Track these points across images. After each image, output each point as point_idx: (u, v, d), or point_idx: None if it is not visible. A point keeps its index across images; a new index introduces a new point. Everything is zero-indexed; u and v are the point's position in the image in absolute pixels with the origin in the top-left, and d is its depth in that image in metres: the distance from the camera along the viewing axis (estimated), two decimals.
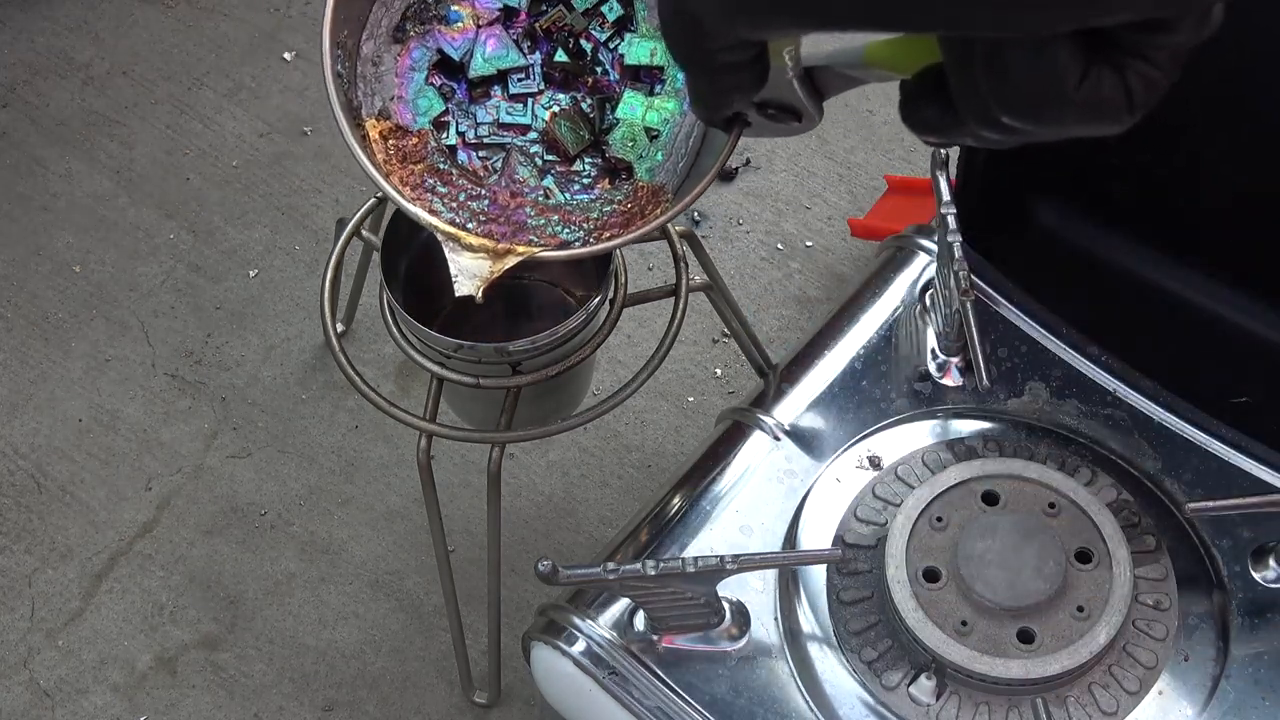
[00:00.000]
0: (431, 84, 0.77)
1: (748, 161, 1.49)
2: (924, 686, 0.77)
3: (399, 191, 0.72)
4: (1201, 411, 0.87)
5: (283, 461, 1.32)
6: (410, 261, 1.00)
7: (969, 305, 0.84)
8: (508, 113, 0.78)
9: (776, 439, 0.87)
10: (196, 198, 1.48)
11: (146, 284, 1.42)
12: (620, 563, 0.75)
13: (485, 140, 0.77)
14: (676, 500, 0.86)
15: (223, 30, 1.60)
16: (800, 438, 0.88)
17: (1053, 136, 0.44)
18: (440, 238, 0.71)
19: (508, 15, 0.78)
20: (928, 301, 0.91)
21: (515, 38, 0.78)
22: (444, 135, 0.77)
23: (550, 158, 0.77)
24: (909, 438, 0.87)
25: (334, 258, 1.02)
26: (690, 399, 1.34)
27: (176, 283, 1.42)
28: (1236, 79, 0.78)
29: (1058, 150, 0.88)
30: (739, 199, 1.47)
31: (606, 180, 0.77)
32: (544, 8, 0.79)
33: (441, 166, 0.75)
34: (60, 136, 1.52)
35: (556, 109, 0.78)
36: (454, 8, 0.77)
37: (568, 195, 0.77)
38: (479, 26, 0.78)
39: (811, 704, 0.78)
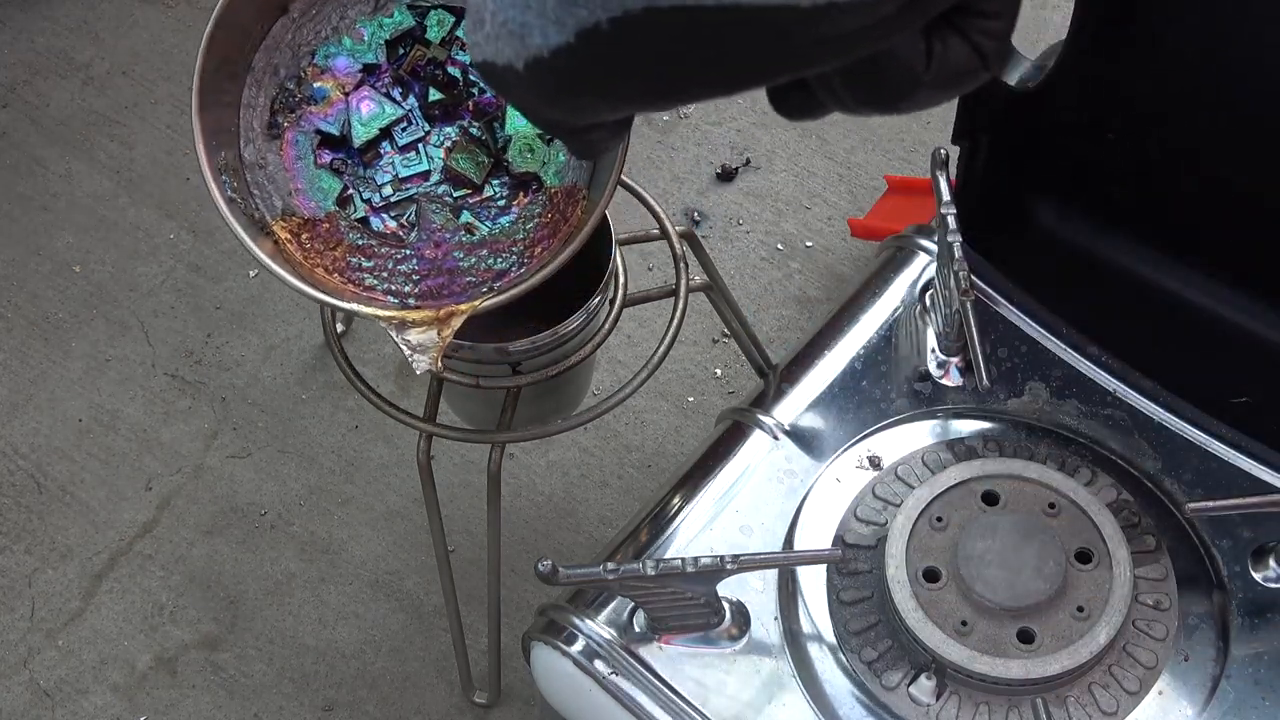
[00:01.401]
0: (322, 166, 0.77)
1: (748, 162, 1.49)
2: (924, 686, 0.77)
3: (325, 284, 0.72)
4: (1201, 411, 0.87)
5: (283, 461, 1.32)
6: None
7: (969, 305, 0.84)
8: (404, 165, 0.78)
9: (776, 439, 0.87)
10: (196, 198, 1.48)
11: (146, 284, 1.42)
12: (620, 563, 0.75)
13: (392, 200, 0.77)
14: (676, 500, 0.86)
15: None
16: (800, 438, 0.88)
17: (924, 108, 0.46)
18: (383, 325, 0.71)
19: (369, 72, 0.78)
20: (928, 301, 0.91)
21: (384, 91, 0.78)
22: (351, 210, 0.77)
23: (459, 193, 0.77)
24: (909, 438, 0.87)
25: None
26: (690, 399, 1.34)
27: (176, 283, 1.42)
28: (1237, 79, 0.78)
29: (1058, 150, 0.89)
30: (739, 199, 1.47)
31: (522, 195, 0.77)
32: (400, 51, 0.78)
33: (360, 243, 0.75)
34: (60, 136, 1.52)
35: (448, 144, 0.77)
36: (316, 85, 0.77)
37: (489, 224, 0.77)
38: (346, 94, 0.78)
39: (811, 704, 0.78)
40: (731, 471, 0.87)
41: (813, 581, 0.82)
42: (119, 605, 1.25)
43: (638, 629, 0.80)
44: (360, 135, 0.77)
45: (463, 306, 0.72)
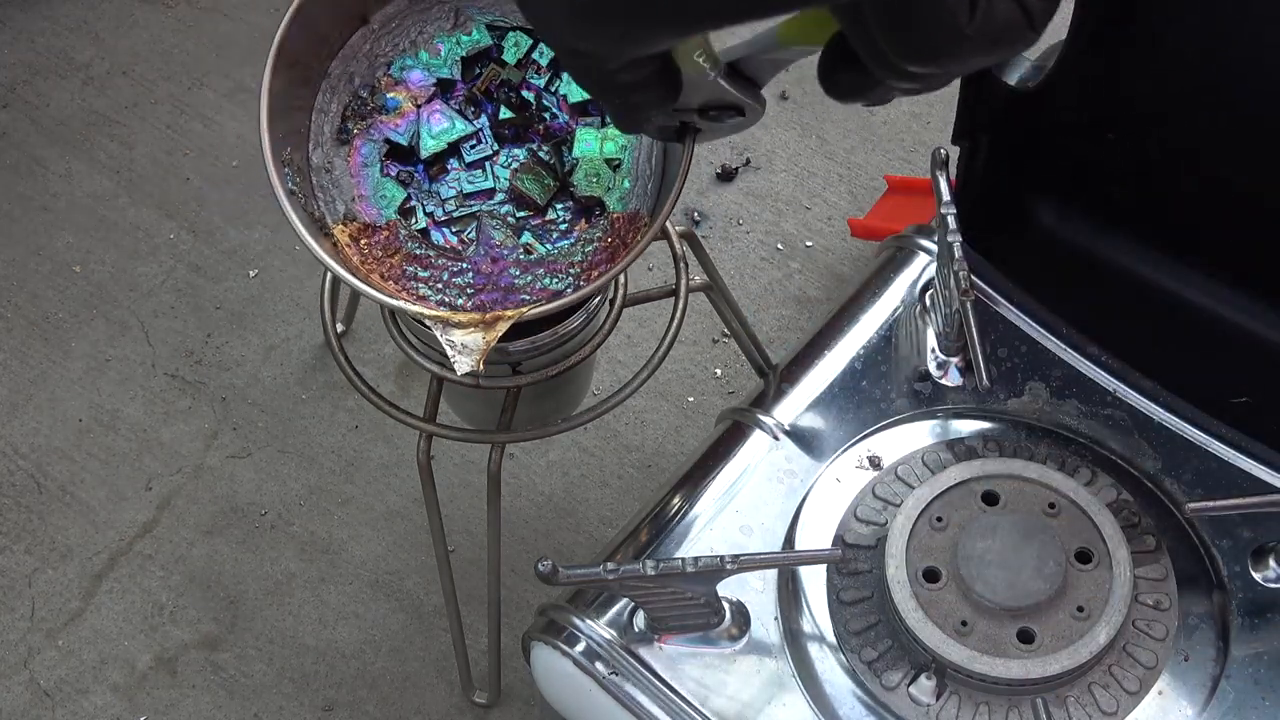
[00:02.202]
0: (388, 175, 0.77)
1: (748, 162, 1.49)
2: (924, 686, 0.77)
3: (380, 290, 0.73)
4: (1201, 411, 0.87)
5: (283, 461, 1.32)
6: None
7: (969, 305, 0.84)
8: (469, 181, 0.78)
9: (776, 439, 0.87)
10: (196, 198, 1.48)
11: (146, 284, 1.42)
12: (620, 563, 0.75)
13: (454, 215, 0.77)
14: (676, 500, 0.86)
15: (223, 30, 1.60)
16: (800, 438, 0.88)
17: (971, 69, 0.45)
18: (429, 323, 0.71)
19: (444, 88, 0.78)
20: (928, 301, 0.91)
21: (457, 107, 0.78)
22: (413, 221, 0.77)
23: (522, 214, 0.77)
24: (909, 438, 0.87)
25: None
26: (690, 399, 1.34)
27: (176, 283, 1.42)
28: (1237, 79, 0.78)
29: (1058, 150, 0.89)
30: (739, 199, 1.47)
31: (583, 221, 0.77)
32: (477, 70, 0.78)
33: (417, 252, 0.76)
34: (60, 136, 1.52)
35: (515, 165, 0.77)
36: (390, 95, 0.77)
37: (549, 245, 0.77)
38: (418, 106, 0.78)
39: (811, 704, 0.78)
40: (731, 471, 0.87)
41: (813, 581, 0.82)
42: (119, 605, 1.25)
43: (638, 629, 0.80)
44: (429, 148, 0.77)
45: (509, 312, 0.72)
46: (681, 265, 0.97)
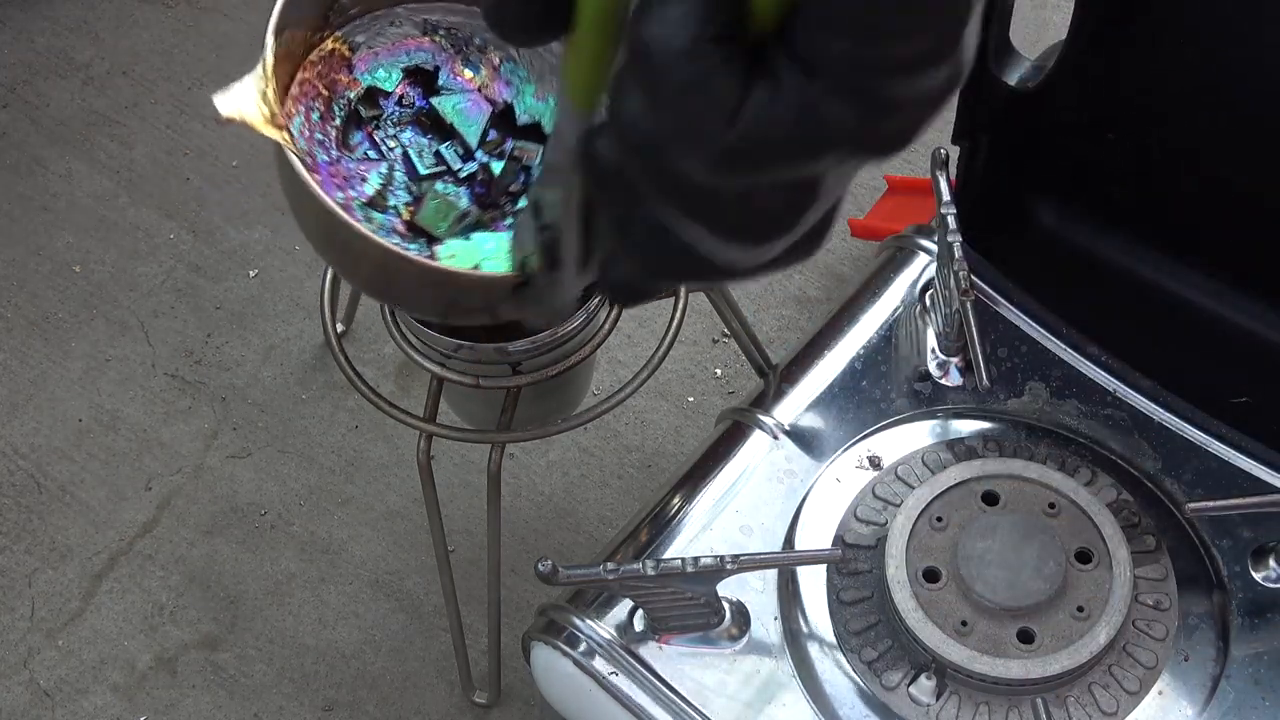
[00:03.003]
0: (405, 72, 0.75)
1: None
2: (924, 686, 0.77)
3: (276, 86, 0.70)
4: (1201, 411, 0.87)
5: (283, 461, 1.32)
6: None
7: (969, 305, 0.84)
8: (412, 144, 0.74)
9: (776, 439, 0.87)
10: (196, 198, 1.48)
11: (146, 284, 1.42)
12: (620, 563, 0.75)
13: (380, 140, 0.73)
14: (676, 500, 0.86)
15: (223, 30, 1.60)
16: (800, 438, 0.87)
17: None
18: (260, 65, 0.68)
19: (504, 111, 0.75)
20: (928, 301, 0.91)
21: (492, 131, 0.75)
22: (370, 108, 0.73)
23: (405, 192, 0.73)
24: (909, 438, 0.87)
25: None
26: (690, 399, 1.34)
27: (176, 283, 1.42)
28: (1237, 79, 0.78)
29: (1058, 150, 0.89)
30: None
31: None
32: (526, 142, 0.75)
33: (335, 113, 0.72)
34: (60, 136, 1.52)
35: (444, 189, 0.73)
36: (479, 64, 0.75)
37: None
38: (479, 89, 0.76)
39: (811, 704, 0.78)
40: (731, 471, 0.87)
41: (813, 581, 0.82)
42: (119, 605, 1.25)
43: (638, 629, 0.80)
44: (445, 105, 0.74)
45: (286, 136, 0.69)
46: None
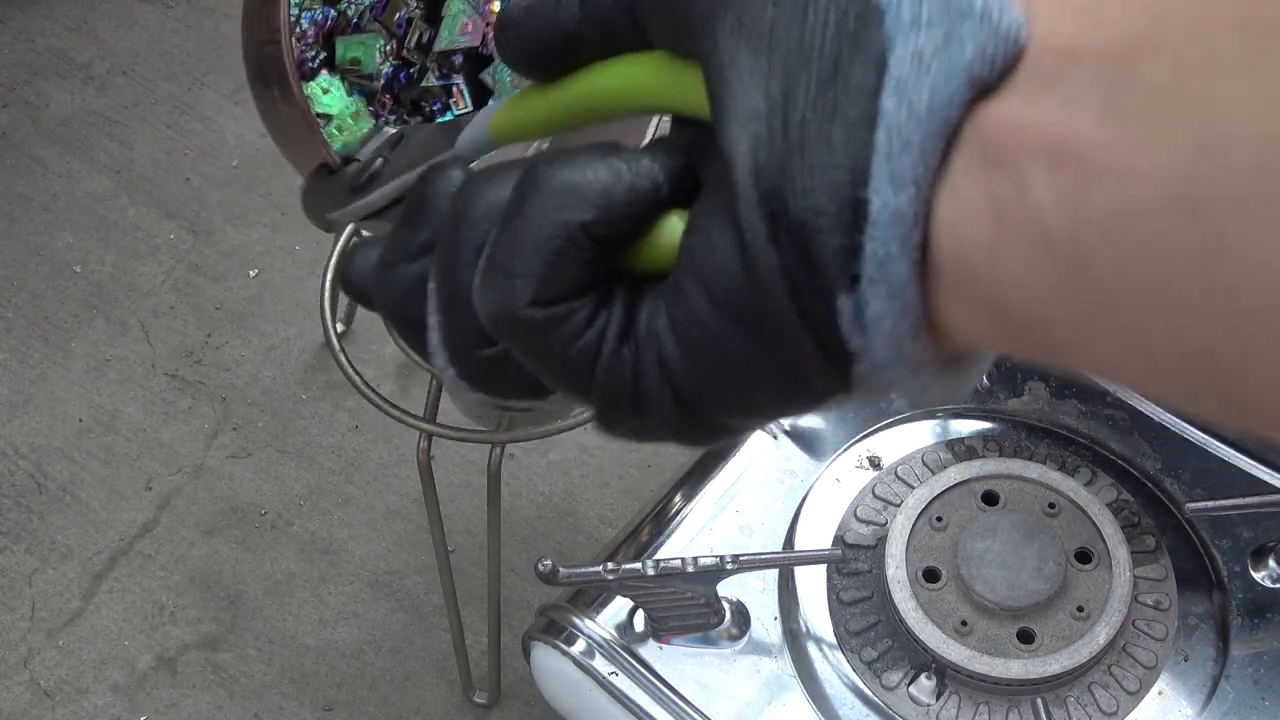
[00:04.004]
0: None
1: None
2: (924, 686, 0.77)
3: None
4: None
5: (283, 461, 1.32)
6: None
7: None
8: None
9: (776, 439, 0.87)
10: (196, 198, 1.48)
11: (146, 284, 1.42)
12: (620, 563, 0.75)
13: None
14: (676, 500, 0.86)
15: (223, 30, 1.60)
16: (800, 438, 0.87)
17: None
18: None
19: (483, 61, 0.71)
20: None
21: (469, 45, 0.70)
22: None
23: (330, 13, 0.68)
24: (909, 438, 0.87)
25: (334, 258, 1.02)
26: None
27: (176, 283, 1.42)
28: None
29: None
30: None
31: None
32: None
33: None
34: (60, 136, 1.52)
35: (380, 42, 0.68)
36: None
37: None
38: (485, 27, 0.71)
39: (811, 704, 0.78)
40: (731, 471, 0.87)
41: (813, 581, 0.82)
42: (119, 605, 1.25)
43: (638, 629, 0.80)
44: (446, 33, 0.69)
45: None
46: None
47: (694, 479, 0.87)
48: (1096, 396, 0.88)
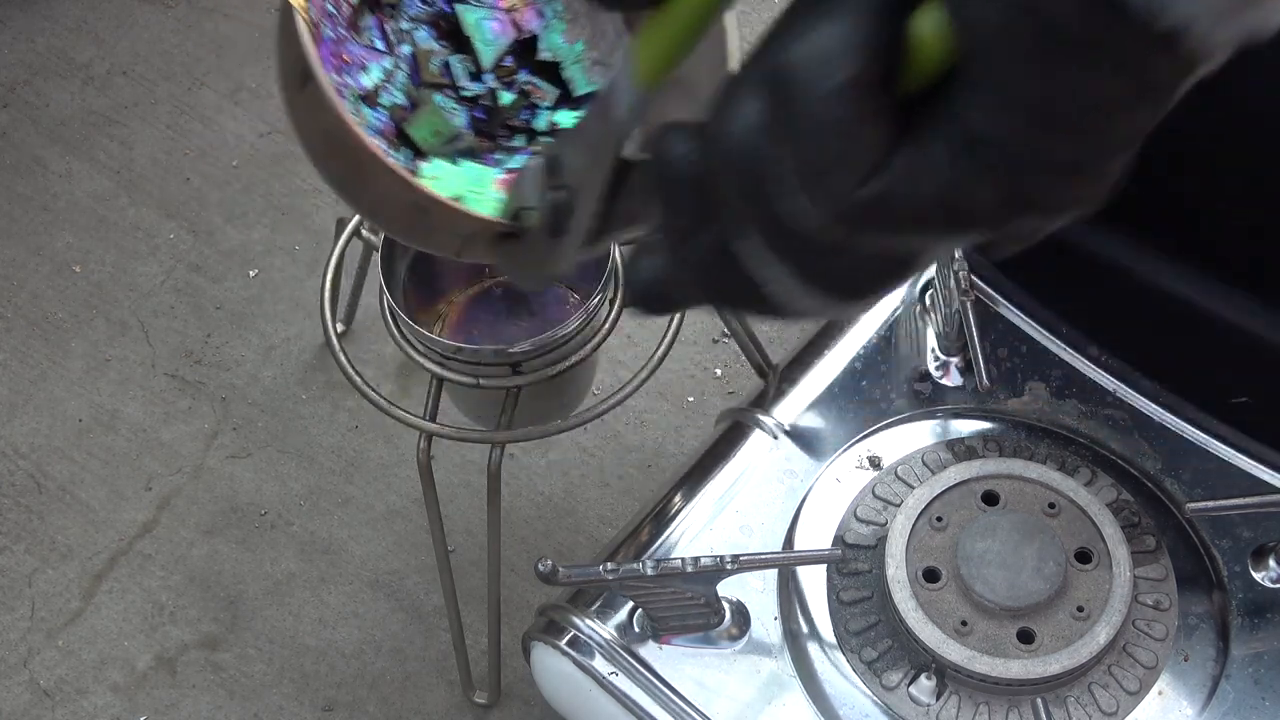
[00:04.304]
0: None
1: None
2: (924, 686, 0.77)
3: None
4: (1201, 411, 0.87)
5: (283, 461, 1.32)
6: (410, 261, 1.00)
7: (969, 305, 0.84)
8: (423, 46, 0.67)
9: (776, 439, 0.87)
10: (196, 198, 1.48)
11: (146, 284, 1.42)
12: (620, 563, 0.75)
13: (391, 31, 0.66)
14: (676, 500, 0.86)
15: (223, 30, 1.60)
16: (800, 438, 0.87)
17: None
18: None
19: (527, 42, 0.68)
20: (928, 301, 0.91)
21: (508, 53, 0.68)
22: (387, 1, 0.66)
23: (401, 100, 0.66)
24: (909, 438, 0.87)
25: (334, 258, 1.02)
26: (690, 399, 1.34)
27: (176, 283, 1.42)
28: (1236, 76, 0.77)
29: None
30: None
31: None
32: (542, 81, 0.68)
33: None
34: (60, 136, 1.52)
35: (443, 103, 0.66)
36: None
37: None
38: (508, 10, 0.68)
39: (811, 704, 0.78)
40: (731, 471, 0.87)
41: (813, 581, 0.82)
42: (119, 605, 1.25)
43: (638, 629, 0.80)
44: (467, 17, 0.67)
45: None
46: None
47: (694, 479, 0.87)
48: (1096, 396, 0.88)
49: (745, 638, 0.80)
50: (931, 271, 0.92)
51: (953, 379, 0.89)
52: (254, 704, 1.20)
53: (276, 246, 1.44)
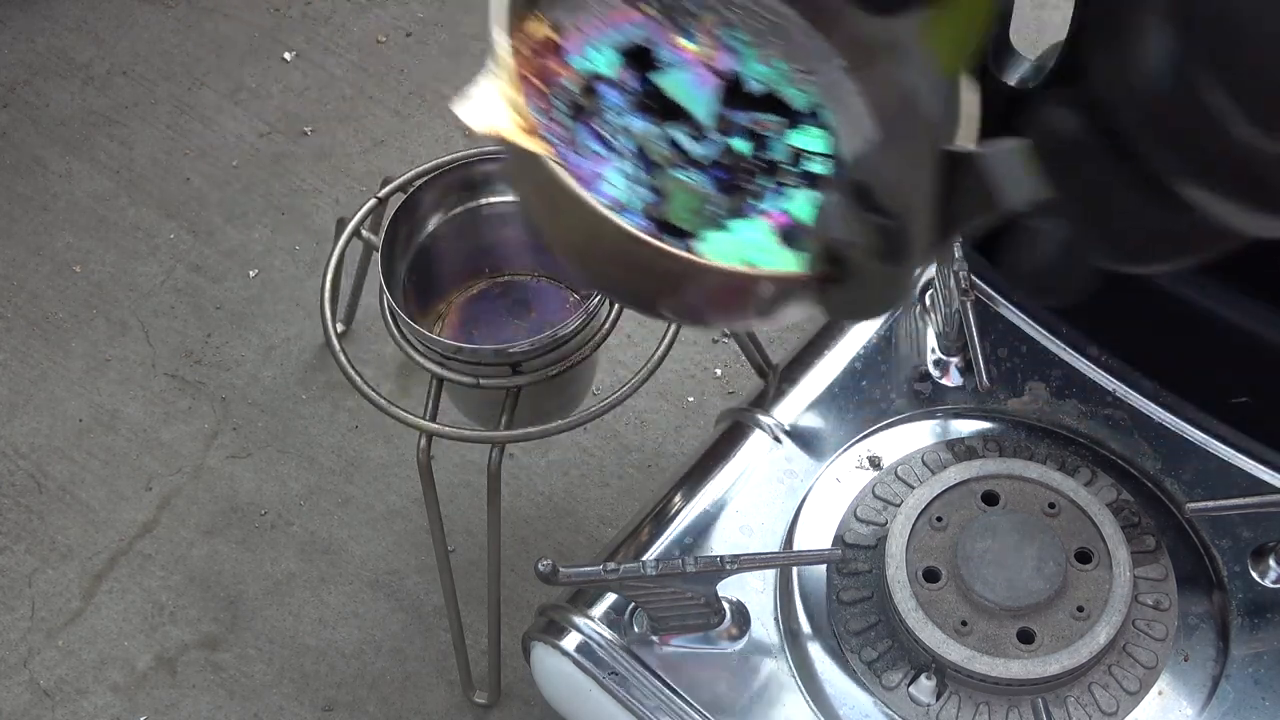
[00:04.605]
0: (618, 53, 0.65)
1: None
2: (924, 686, 0.77)
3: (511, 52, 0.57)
4: (1201, 411, 0.87)
5: (283, 461, 1.32)
6: (410, 261, 1.00)
7: (969, 305, 0.84)
8: (642, 133, 0.65)
9: (776, 439, 0.87)
10: (196, 198, 1.48)
11: (146, 284, 1.42)
12: (620, 563, 0.75)
13: (607, 133, 0.64)
14: (676, 500, 0.86)
15: (223, 30, 1.60)
16: (800, 438, 0.88)
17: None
18: (495, 64, 0.56)
19: (733, 87, 0.66)
20: (928, 301, 0.91)
21: (721, 101, 0.66)
22: (590, 98, 0.64)
23: (648, 197, 0.64)
24: (909, 438, 0.87)
25: (334, 258, 1.02)
26: (690, 399, 1.34)
27: (176, 283, 1.42)
28: None
29: None
30: None
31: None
32: (763, 114, 0.66)
33: (557, 105, 0.63)
34: (60, 136, 1.52)
35: (686, 178, 0.64)
36: (696, 31, 0.67)
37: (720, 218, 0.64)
38: (701, 60, 0.66)
39: (811, 704, 0.78)
40: (731, 471, 0.87)
41: (813, 581, 0.82)
42: (119, 605, 1.25)
43: (638, 629, 0.80)
44: (667, 82, 0.64)
45: (545, 146, 0.57)
46: None
47: (694, 479, 0.87)
48: (1096, 396, 0.88)
49: (745, 638, 0.80)
50: (931, 271, 0.92)
51: (953, 379, 0.89)
52: (254, 704, 1.20)
53: (276, 246, 1.44)
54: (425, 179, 0.98)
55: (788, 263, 0.60)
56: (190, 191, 1.48)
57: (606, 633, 0.80)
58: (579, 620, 0.80)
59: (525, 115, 0.55)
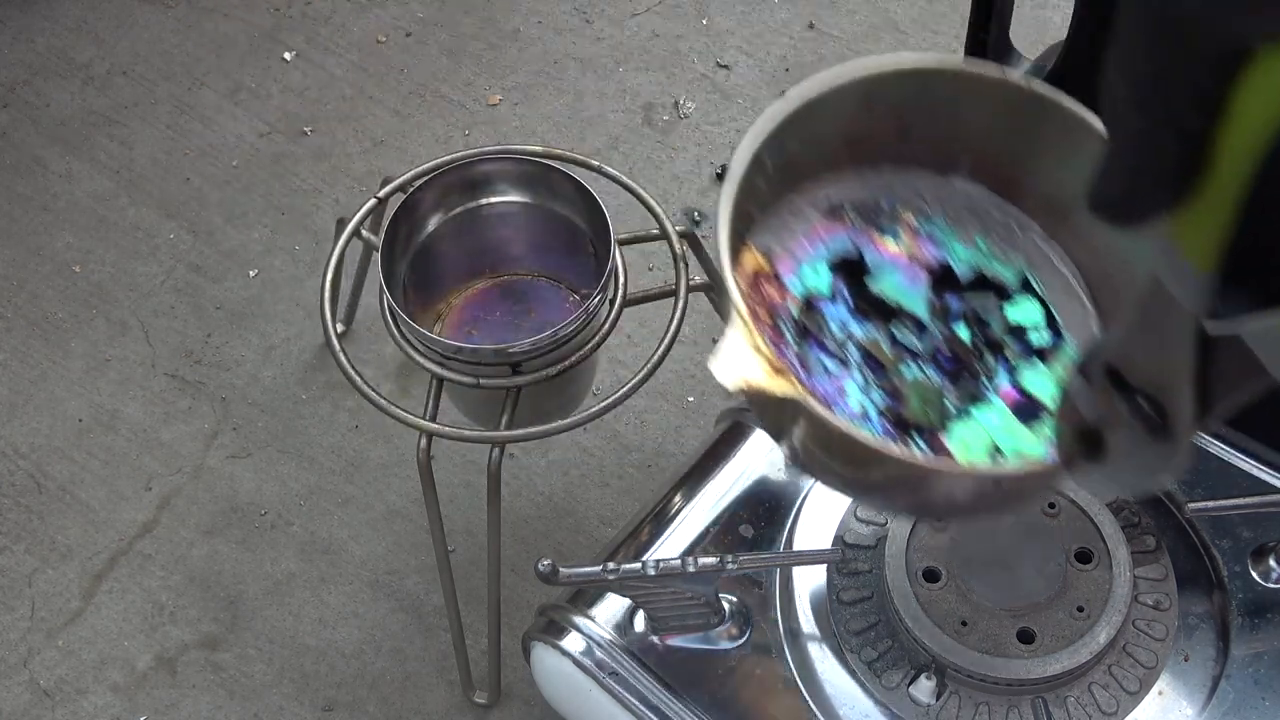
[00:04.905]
0: (825, 262, 0.67)
1: None
2: (924, 686, 0.77)
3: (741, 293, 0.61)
4: None
5: (283, 461, 1.32)
6: (410, 261, 1.00)
7: None
8: (866, 340, 0.67)
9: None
10: (196, 198, 1.48)
11: (146, 284, 1.42)
12: (620, 563, 0.75)
13: (834, 347, 0.66)
14: (676, 500, 0.86)
15: (223, 30, 1.60)
16: None
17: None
18: (734, 317, 0.58)
19: (942, 276, 0.68)
20: None
21: (931, 295, 0.68)
22: (811, 316, 0.66)
23: (885, 401, 0.65)
24: None
25: (334, 258, 1.02)
26: (690, 399, 1.34)
27: (176, 283, 1.42)
28: None
29: None
30: None
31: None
32: (977, 291, 0.68)
33: (785, 333, 0.65)
34: (60, 136, 1.52)
35: (919, 376, 0.66)
36: (897, 230, 0.69)
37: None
38: (910, 258, 0.68)
39: (811, 704, 0.78)
40: (731, 471, 0.87)
41: (813, 581, 0.82)
42: (119, 605, 1.25)
43: (638, 629, 0.80)
44: (881, 285, 0.67)
45: (799, 385, 0.58)
46: (682, 265, 0.97)
47: (694, 479, 0.87)
48: None
49: (745, 638, 0.80)
50: None
51: None
52: (254, 704, 1.20)
53: (276, 246, 1.44)
54: (425, 179, 0.98)
55: (1034, 444, 0.62)
56: (190, 191, 1.48)
57: (606, 633, 0.80)
58: (579, 620, 0.80)
59: (772, 359, 0.57)
